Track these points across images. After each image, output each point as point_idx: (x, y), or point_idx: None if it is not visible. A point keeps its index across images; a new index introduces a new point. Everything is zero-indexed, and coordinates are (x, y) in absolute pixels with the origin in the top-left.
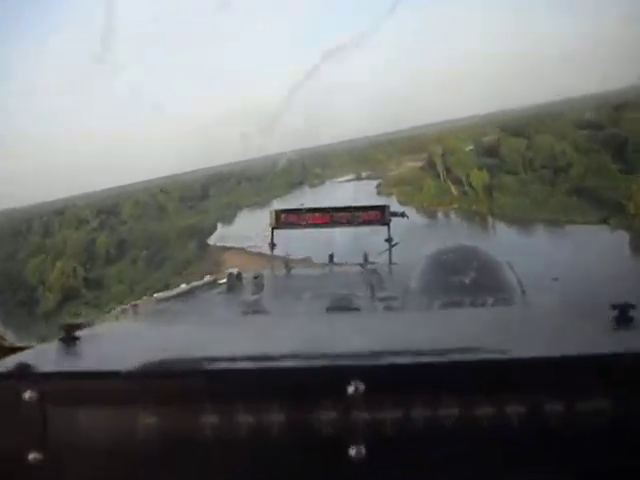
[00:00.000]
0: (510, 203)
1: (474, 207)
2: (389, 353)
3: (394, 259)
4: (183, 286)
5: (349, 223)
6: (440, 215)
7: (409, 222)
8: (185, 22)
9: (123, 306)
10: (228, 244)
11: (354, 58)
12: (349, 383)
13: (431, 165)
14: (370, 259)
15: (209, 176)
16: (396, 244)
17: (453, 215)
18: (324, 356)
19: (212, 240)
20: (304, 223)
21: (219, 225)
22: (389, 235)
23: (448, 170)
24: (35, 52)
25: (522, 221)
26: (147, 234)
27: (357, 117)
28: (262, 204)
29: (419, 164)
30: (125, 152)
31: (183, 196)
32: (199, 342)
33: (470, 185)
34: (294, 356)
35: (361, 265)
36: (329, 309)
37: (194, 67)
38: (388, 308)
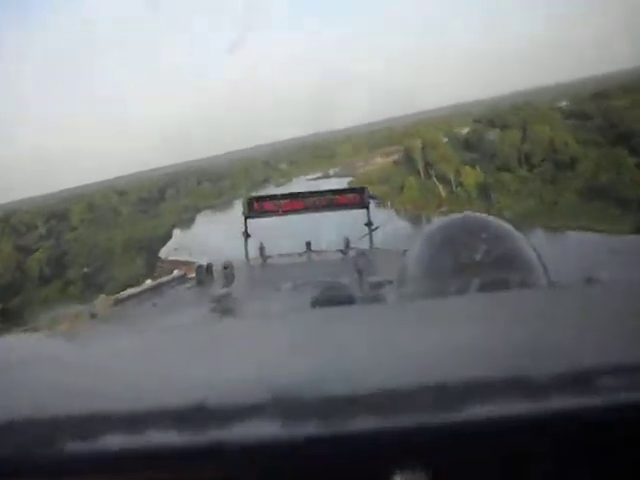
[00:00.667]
0: (510, 205)
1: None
2: (470, 393)
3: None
4: (149, 282)
5: (327, 207)
6: (425, 221)
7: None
8: (153, 22)
9: (79, 307)
10: (181, 258)
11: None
12: (395, 473)
13: (408, 160)
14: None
15: (168, 175)
16: (377, 228)
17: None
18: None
19: (164, 253)
20: (280, 210)
21: (175, 231)
22: (369, 218)
23: (429, 166)
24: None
25: (528, 228)
26: (91, 246)
27: (319, 109)
28: (222, 206)
29: (390, 159)
30: (86, 152)
31: (140, 198)
32: (123, 375)
33: (460, 184)
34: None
35: (342, 251)
36: (315, 303)
37: (161, 65)
38: (379, 298)
